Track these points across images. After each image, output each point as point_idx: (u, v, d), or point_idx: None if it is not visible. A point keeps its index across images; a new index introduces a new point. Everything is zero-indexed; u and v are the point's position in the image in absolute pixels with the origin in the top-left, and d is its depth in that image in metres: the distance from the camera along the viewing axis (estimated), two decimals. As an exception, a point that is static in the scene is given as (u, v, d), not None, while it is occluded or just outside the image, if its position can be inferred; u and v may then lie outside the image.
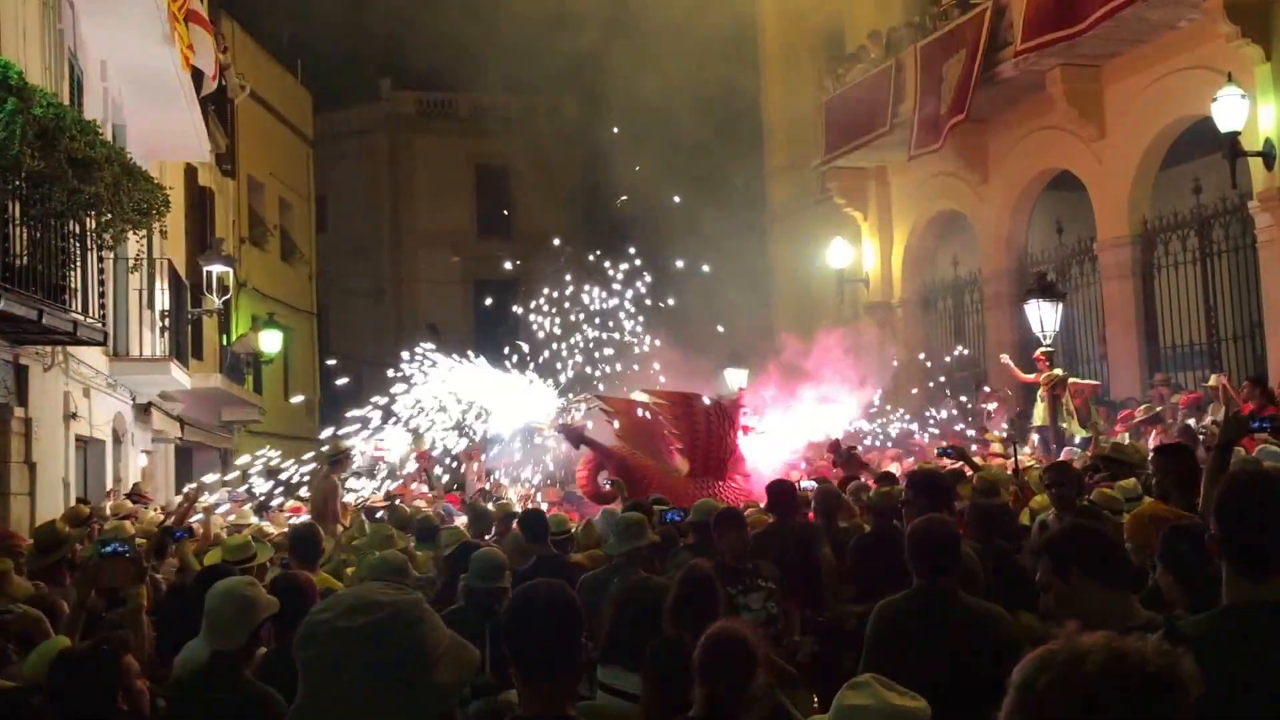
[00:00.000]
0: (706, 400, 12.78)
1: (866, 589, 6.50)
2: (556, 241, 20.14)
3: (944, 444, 11.45)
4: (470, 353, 13.62)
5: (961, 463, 9.65)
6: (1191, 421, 12.06)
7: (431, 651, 1.84)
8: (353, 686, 1.79)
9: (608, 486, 11.87)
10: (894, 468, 12.51)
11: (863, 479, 10.32)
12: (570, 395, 13.90)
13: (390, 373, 13.86)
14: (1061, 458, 10.79)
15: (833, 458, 12.39)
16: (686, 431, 12.48)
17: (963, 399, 17.22)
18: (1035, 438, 14.36)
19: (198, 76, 14.68)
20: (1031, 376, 14.72)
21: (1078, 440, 13.59)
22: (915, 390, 17.37)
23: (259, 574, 6.06)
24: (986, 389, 16.75)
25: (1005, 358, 15.52)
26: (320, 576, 6.42)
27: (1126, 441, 11.00)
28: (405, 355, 13.55)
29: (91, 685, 3.52)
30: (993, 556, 6.23)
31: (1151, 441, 11.58)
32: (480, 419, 14.17)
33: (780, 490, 8.11)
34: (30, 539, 7.08)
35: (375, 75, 33.43)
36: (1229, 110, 13.02)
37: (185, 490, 11.31)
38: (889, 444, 15.42)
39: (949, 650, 4.13)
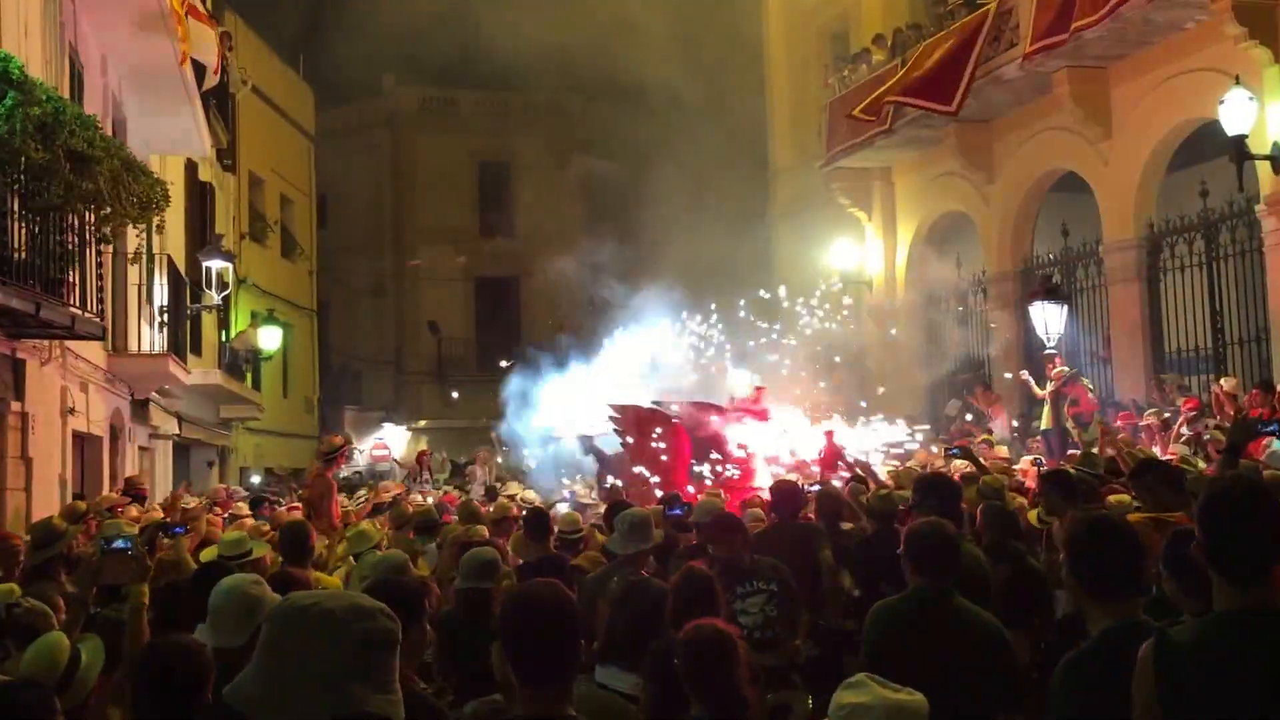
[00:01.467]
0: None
1: (868, 592, 6.43)
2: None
3: (952, 445, 11.33)
4: None
5: (970, 464, 9.54)
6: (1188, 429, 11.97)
7: (374, 673, 1.83)
8: (317, 659, 1.80)
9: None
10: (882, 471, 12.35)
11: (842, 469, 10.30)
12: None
13: None
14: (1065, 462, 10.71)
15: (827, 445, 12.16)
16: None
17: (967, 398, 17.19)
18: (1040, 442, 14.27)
19: (199, 71, 14.60)
20: (1043, 392, 14.59)
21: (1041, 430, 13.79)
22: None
23: (260, 570, 6.00)
24: (985, 390, 16.71)
25: (1025, 374, 15.36)
26: (318, 576, 6.34)
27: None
28: None
29: (185, 679, 3.54)
30: (1009, 559, 6.16)
31: (1157, 449, 11.47)
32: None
33: (784, 491, 8.01)
34: (27, 535, 7.02)
35: (378, 71, 33.34)
36: (1236, 113, 12.89)
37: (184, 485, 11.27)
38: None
39: (944, 653, 4.12)
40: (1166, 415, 13.09)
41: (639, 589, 5.85)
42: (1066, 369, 14.36)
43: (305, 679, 1.81)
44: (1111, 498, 7.38)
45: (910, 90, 16.82)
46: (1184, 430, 12.09)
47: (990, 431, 14.95)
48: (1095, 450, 9.71)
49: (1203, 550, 2.83)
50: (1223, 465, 6.13)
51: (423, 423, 31.12)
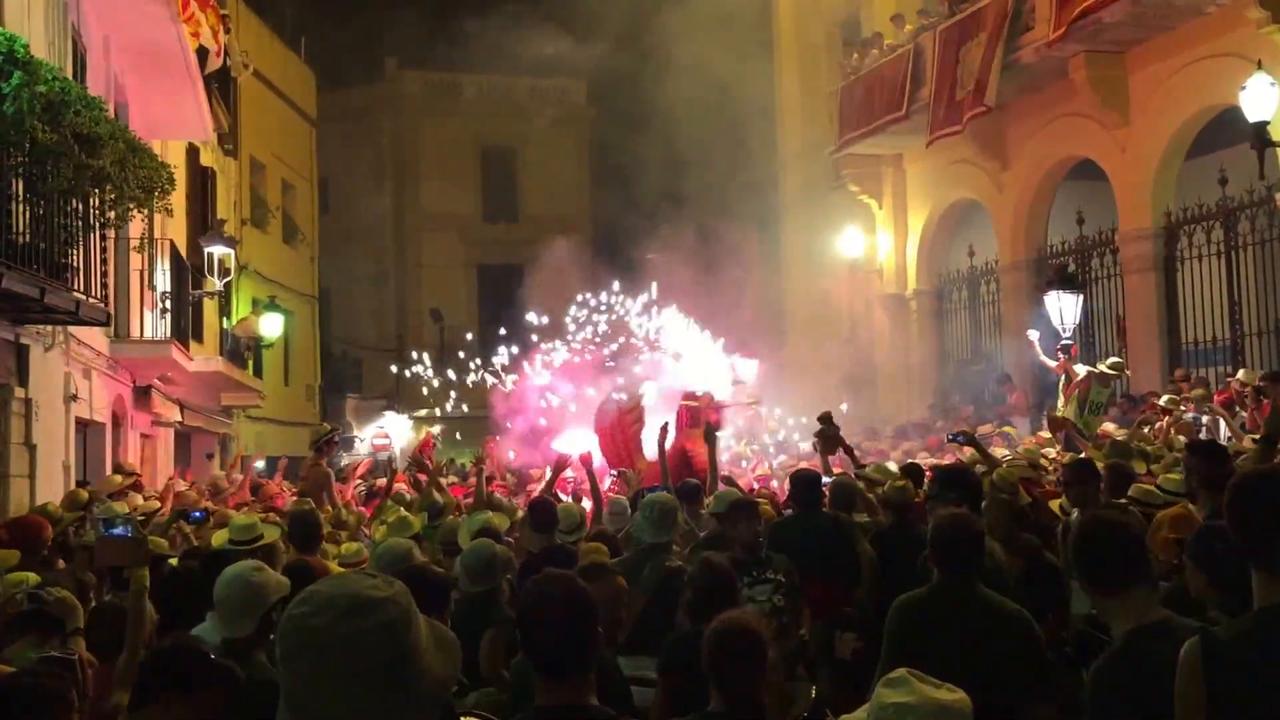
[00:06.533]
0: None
1: (884, 584, 6.33)
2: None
3: (955, 430, 11.15)
4: None
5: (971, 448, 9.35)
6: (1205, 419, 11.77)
7: (425, 646, 1.74)
8: (344, 692, 1.67)
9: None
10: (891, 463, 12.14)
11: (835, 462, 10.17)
12: None
13: None
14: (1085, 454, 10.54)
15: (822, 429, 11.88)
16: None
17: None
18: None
19: (201, 54, 14.43)
20: (1055, 364, 14.42)
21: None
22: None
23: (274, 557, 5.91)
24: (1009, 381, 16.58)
25: (1032, 333, 15.11)
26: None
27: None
28: None
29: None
30: (1021, 553, 6.04)
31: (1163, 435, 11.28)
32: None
33: (804, 481, 7.84)
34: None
35: (380, 55, 33.13)
36: (1257, 99, 12.75)
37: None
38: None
39: (969, 646, 4.07)
40: (1181, 408, 12.92)
41: (673, 579, 5.72)
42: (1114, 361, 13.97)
43: (336, 706, 1.68)
44: (1144, 485, 7.24)
45: (972, 100, 16.59)
46: (1188, 416, 11.89)
47: (1010, 424, 14.78)
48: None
49: (1240, 543, 2.77)
50: (1259, 456, 6.06)
51: (424, 411, 30.91)
